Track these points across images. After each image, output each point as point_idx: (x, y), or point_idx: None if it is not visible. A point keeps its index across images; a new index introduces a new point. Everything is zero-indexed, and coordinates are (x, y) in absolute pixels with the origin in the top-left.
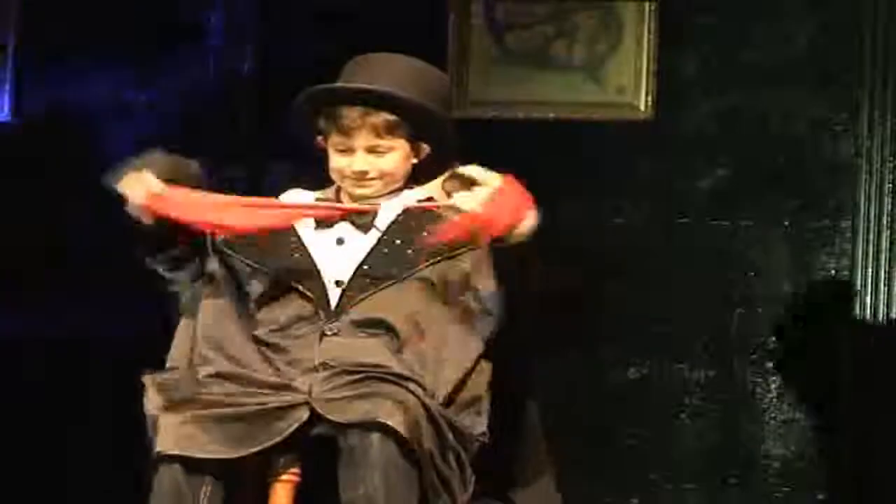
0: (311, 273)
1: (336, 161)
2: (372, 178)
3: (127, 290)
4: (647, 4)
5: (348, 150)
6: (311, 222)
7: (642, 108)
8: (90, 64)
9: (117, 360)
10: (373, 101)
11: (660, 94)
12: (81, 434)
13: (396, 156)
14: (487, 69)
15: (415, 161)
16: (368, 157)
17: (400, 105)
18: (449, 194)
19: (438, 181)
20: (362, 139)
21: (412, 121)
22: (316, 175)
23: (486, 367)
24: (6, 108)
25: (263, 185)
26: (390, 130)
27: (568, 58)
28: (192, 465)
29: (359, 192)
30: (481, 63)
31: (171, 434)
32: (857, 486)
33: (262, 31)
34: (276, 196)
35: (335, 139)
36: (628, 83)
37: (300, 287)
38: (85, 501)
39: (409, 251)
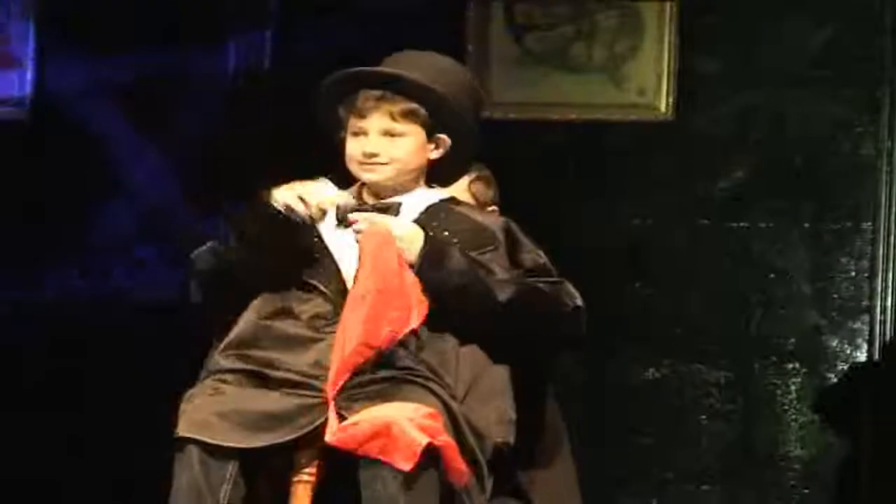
0: (331, 272)
1: (350, 145)
2: (382, 163)
3: None
4: (667, 5)
5: (362, 133)
6: (333, 221)
7: (663, 109)
8: (108, 55)
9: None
10: (389, 85)
11: (680, 95)
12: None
13: (410, 142)
14: (508, 70)
15: (435, 155)
16: (381, 139)
17: (417, 92)
18: (474, 196)
19: (463, 182)
20: (376, 121)
21: (431, 111)
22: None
23: (504, 367)
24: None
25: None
26: (406, 116)
27: (588, 59)
28: (211, 455)
29: (367, 176)
30: (502, 64)
31: (190, 419)
32: (877, 488)
33: (281, 31)
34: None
35: (351, 123)
36: (649, 84)
37: (321, 286)
38: None
39: None
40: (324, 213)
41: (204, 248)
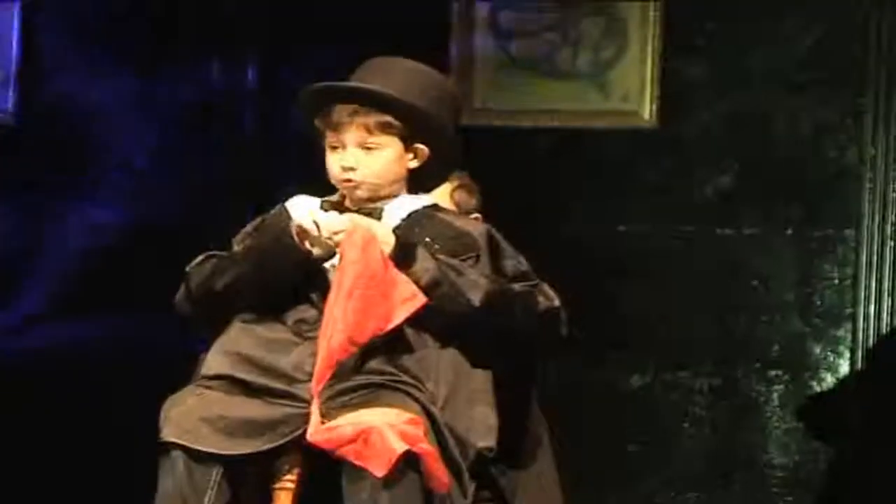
0: (315, 277)
1: (328, 159)
2: (360, 181)
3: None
4: (651, 12)
5: (339, 146)
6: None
7: (647, 115)
8: (92, 66)
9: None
10: (364, 99)
11: (664, 102)
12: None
13: (387, 154)
14: (492, 77)
15: (414, 164)
16: (358, 152)
17: (392, 104)
18: (457, 204)
19: (445, 189)
20: (352, 135)
21: (407, 122)
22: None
23: (486, 372)
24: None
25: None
26: (382, 129)
27: (573, 65)
28: (195, 460)
29: (349, 194)
30: (486, 71)
31: (175, 424)
32: (861, 495)
33: (266, 35)
34: (283, 202)
35: (329, 137)
36: (633, 91)
37: (305, 291)
38: None
39: None
40: (334, 245)
41: (201, 259)
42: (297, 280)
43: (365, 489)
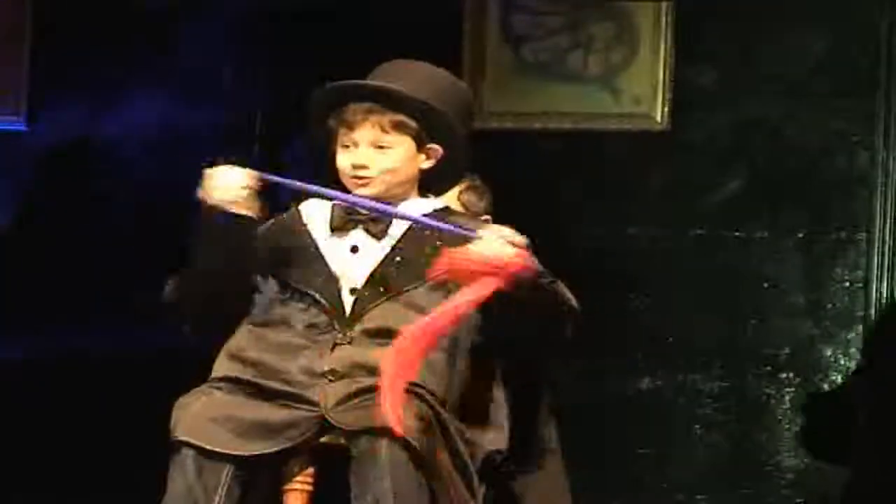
0: (327, 281)
1: (340, 158)
2: (372, 176)
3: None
4: (663, 16)
5: (352, 144)
6: (326, 230)
7: (658, 119)
8: (103, 75)
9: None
10: (380, 97)
11: (675, 105)
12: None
13: (400, 153)
14: (503, 80)
15: (427, 165)
16: (370, 151)
17: (405, 104)
18: (465, 206)
19: (454, 191)
20: (365, 133)
21: (420, 121)
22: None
23: (496, 375)
24: (21, 118)
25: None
26: (395, 127)
27: (584, 69)
28: (207, 459)
29: (359, 192)
30: (497, 74)
31: (187, 424)
32: (870, 498)
33: (275, 41)
34: (297, 206)
35: (341, 135)
36: (644, 94)
37: (317, 295)
38: None
39: (422, 260)
40: (239, 195)
41: (168, 284)
42: (249, 248)
43: (371, 489)
